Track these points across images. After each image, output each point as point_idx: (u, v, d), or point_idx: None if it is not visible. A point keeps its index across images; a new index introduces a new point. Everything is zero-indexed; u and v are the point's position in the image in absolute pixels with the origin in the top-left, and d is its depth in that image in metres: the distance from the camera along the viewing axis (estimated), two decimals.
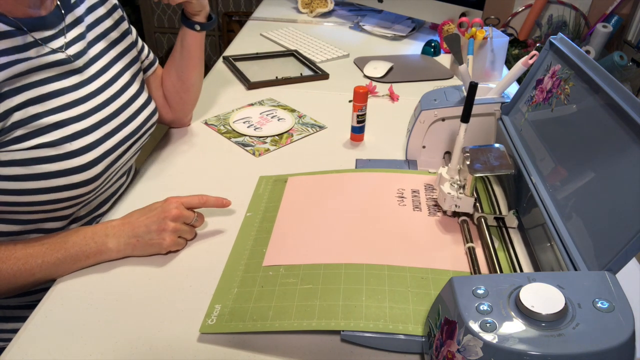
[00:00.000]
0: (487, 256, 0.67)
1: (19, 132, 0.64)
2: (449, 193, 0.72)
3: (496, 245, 0.69)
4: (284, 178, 0.86)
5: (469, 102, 0.71)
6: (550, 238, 0.61)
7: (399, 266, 0.65)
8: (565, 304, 0.45)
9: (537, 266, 0.66)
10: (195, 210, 0.72)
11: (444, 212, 0.75)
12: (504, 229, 0.73)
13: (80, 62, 0.73)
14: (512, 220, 0.73)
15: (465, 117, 0.72)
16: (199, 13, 0.89)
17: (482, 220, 0.72)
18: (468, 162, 0.70)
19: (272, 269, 0.66)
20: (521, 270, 0.66)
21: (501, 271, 0.63)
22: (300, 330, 0.57)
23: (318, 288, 0.62)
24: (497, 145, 0.73)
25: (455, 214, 0.75)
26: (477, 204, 0.74)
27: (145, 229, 0.68)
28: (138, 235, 0.68)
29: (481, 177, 0.77)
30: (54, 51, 0.69)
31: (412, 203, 0.77)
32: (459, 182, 0.73)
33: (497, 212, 0.73)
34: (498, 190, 0.78)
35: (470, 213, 0.73)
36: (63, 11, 0.73)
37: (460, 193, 0.72)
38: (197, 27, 0.90)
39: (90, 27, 0.78)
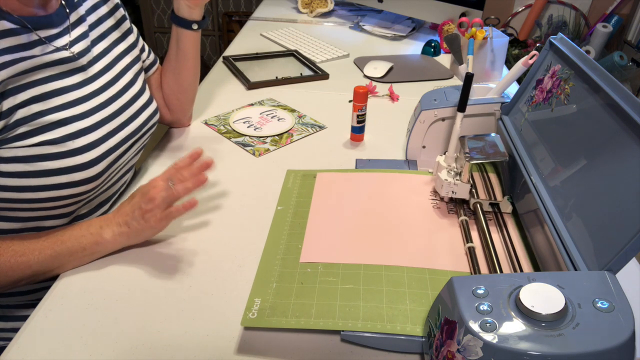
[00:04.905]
0: (486, 255, 0.67)
1: (22, 129, 0.64)
2: (446, 180, 0.74)
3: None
4: (312, 173, 0.86)
5: (465, 91, 0.74)
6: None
7: (437, 269, 0.66)
8: (565, 303, 0.45)
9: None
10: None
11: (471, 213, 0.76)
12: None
13: (84, 60, 0.73)
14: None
15: (462, 107, 0.76)
16: (195, 8, 0.87)
17: (478, 205, 0.74)
18: (465, 150, 0.72)
19: (309, 266, 0.67)
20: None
21: (501, 271, 0.64)
22: (346, 330, 0.58)
23: (360, 289, 0.63)
24: (492, 134, 0.76)
25: (452, 200, 0.78)
26: (473, 190, 0.76)
27: (131, 216, 0.68)
28: (127, 222, 0.68)
29: (477, 164, 0.80)
30: (58, 49, 0.69)
31: (444, 206, 0.78)
32: (455, 170, 0.75)
33: (492, 198, 0.76)
34: (493, 178, 0.81)
35: (466, 199, 0.76)
36: (67, 10, 0.73)
37: (457, 180, 0.74)
38: (195, 26, 0.89)
39: (93, 26, 0.78)
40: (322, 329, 0.58)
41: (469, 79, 0.74)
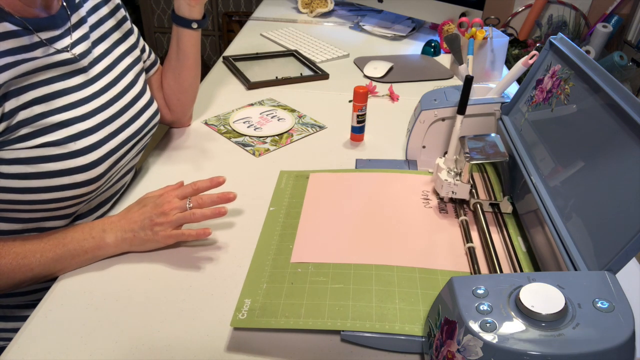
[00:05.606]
0: (486, 255, 0.67)
1: (24, 131, 0.64)
2: (446, 180, 0.75)
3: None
4: (305, 174, 0.86)
5: (464, 94, 0.75)
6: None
7: (430, 269, 0.66)
8: (565, 304, 0.45)
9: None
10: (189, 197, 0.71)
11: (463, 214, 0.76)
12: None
13: (85, 62, 0.73)
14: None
15: (461, 109, 0.76)
16: (195, 6, 0.88)
17: (478, 206, 0.74)
18: (465, 150, 0.72)
19: (300, 266, 0.67)
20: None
21: (501, 271, 0.64)
22: (335, 329, 0.58)
23: (350, 288, 0.63)
24: (492, 134, 0.76)
25: (452, 201, 0.78)
26: (473, 191, 0.76)
27: (140, 225, 0.68)
28: (133, 230, 0.68)
29: (477, 164, 0.80)
30: (59, 51, 0.69)
31: (438, 205, 0.78)
32: (455, 170, 0.76)
33: (492, 198, 0.76)
34: (493, 178, 0.81)
35: (466, 199, 0.76)
36: (69, 11, 0.73)
37: (457, 180, 0.74)
38: (194, 25, 0.89)
39: (94, 27, 0.78)
40: (311, 328, 0.58)
41: (468, 81, 0.74)
